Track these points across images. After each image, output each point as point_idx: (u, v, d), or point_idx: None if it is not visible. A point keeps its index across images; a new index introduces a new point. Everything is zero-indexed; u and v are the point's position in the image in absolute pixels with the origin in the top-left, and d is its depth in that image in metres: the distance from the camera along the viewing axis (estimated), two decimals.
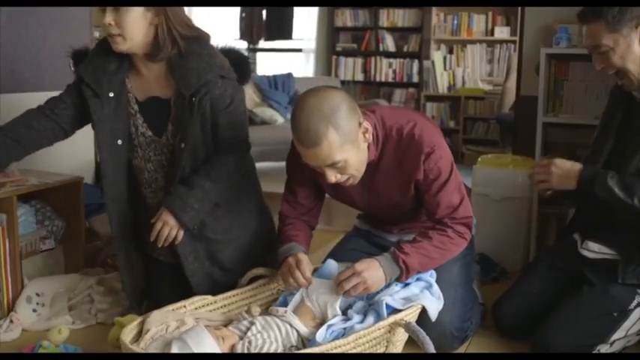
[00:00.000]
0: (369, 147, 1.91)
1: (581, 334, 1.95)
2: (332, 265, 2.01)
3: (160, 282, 2.30)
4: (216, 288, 2.08)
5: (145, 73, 2.14)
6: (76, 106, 2.18)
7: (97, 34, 6.01)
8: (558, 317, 2.01)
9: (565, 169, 2.03)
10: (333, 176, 1.86)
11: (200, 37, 2.11)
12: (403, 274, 1.88)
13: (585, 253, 2.12)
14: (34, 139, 2.17)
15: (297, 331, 1.82)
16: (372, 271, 1.85)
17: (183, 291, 2.10)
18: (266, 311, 1.94)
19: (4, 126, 2.16)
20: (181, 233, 2.09)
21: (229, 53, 2.20)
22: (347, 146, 1.81)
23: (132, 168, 2.23)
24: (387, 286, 1.93)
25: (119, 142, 2.15)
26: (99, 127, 2.14)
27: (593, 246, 2.11)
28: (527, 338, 2.08)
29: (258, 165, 2.44)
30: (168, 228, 2.06)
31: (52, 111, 2.18)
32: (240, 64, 2.19)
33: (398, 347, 1.87)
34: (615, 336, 1.96)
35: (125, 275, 2.26)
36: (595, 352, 1.95)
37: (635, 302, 1.97)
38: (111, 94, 2.12)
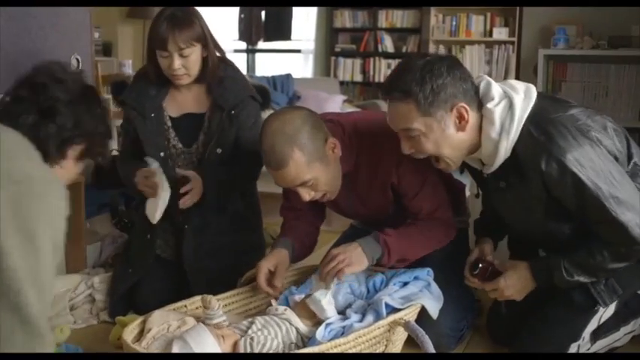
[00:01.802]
0: (341, 160, 1.95)
1: (552, 338, 1.92)
2: (313, 281, 2.03)
3: (158, 277, 2.35)
4: (211, 286, 2.07)
5: (186, 92, 2.39)
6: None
7: (96, 35, 6.05)
8: (528, 327, 1.98)
9: (516, 282, 1.88)
10: (306, 194, 1.92)
11: (232, 65, 2.43)
12: (385, 255, 1.91)
13: None
14: None
15: (297, 329, 1.83)
16: (349, 251, 1.89)
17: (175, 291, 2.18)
18: (265, 310, 1.95)
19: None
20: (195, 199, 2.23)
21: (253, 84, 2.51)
22: (314, 164, 1.85)
23: None
24: (386, 285, 1.95)
25: (162, 154, 2.32)
26: (145, 143, 2.34)
27: None
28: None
29: None
30: (195, 192, 2.21)
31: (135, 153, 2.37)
32: (262, 93, 2.52)
33: (397, 346, 1.88)
34: (588, 329, 1.92)
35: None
36: (571, 350, 1.93)
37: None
38: (152, 115, 2.35)
